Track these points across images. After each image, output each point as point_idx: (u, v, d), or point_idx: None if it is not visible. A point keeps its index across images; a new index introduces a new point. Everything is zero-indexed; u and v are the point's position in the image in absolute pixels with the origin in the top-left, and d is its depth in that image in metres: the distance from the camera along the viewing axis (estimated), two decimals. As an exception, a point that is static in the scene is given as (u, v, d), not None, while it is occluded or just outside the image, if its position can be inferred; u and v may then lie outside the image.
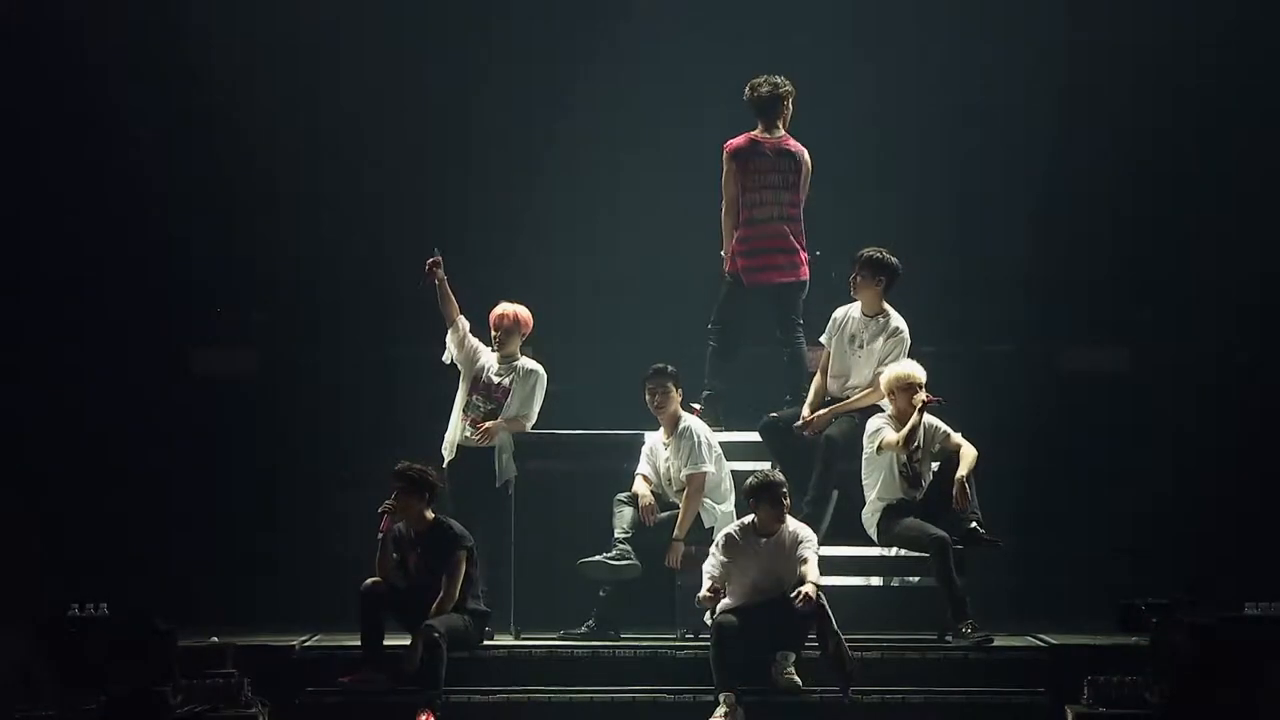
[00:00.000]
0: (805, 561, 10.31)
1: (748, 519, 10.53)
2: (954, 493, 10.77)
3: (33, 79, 13.31)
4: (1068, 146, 13.42)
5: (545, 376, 11.45)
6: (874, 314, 11.32)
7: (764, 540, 10.40)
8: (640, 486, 11.16)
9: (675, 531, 10.98)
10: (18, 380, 13.14)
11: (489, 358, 11.49)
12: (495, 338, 11.49)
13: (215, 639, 10.38)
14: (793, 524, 10.47)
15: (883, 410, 11.21)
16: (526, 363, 11.51)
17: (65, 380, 13.17)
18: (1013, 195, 13.47)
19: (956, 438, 10.96)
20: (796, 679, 10.18)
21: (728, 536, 10.47)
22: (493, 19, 13.77)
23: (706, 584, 10.35)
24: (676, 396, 11.21)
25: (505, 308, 11.51)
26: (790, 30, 13.57)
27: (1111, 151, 13.46)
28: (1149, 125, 13.43)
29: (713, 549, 10.46)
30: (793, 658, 10.22)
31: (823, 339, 11.51)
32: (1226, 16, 13.30)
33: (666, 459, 11.20)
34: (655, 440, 11.31)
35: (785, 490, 10.41)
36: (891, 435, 10.83)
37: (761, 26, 13.63)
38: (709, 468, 11.10)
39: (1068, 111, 13.45)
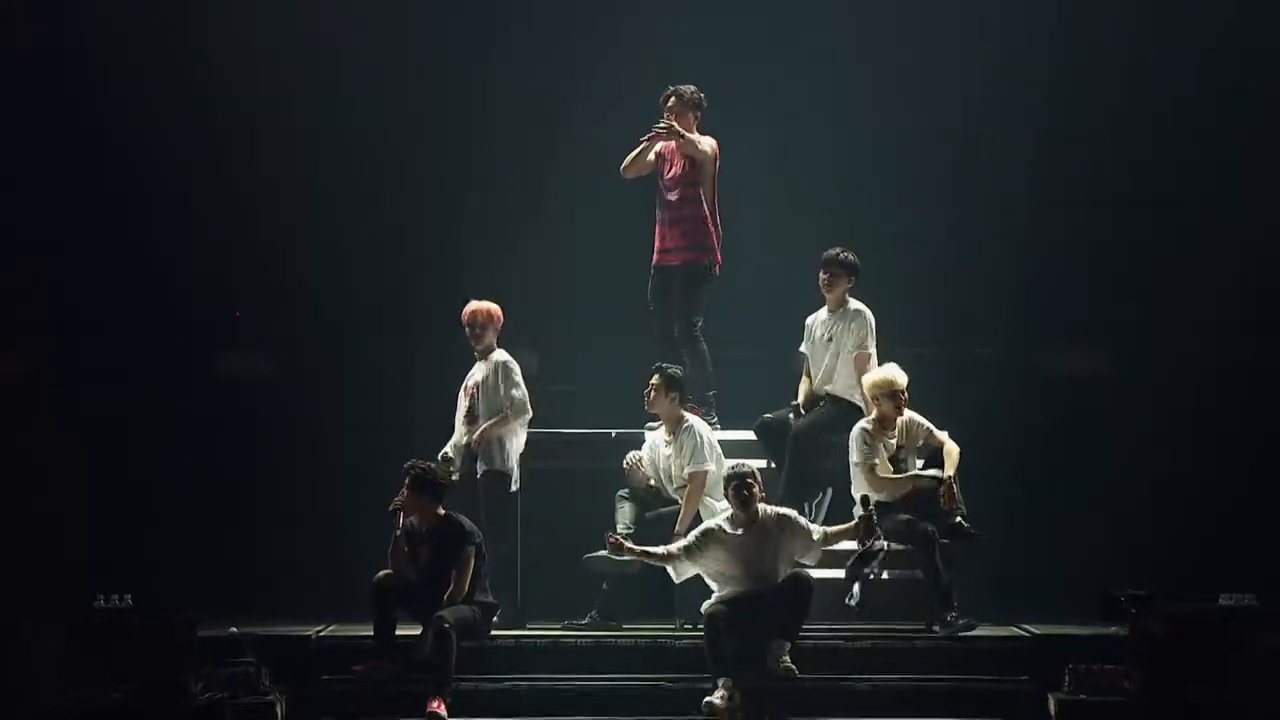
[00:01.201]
0: (821, 535, 10.52)
1: (730, 513, 10.65)
2: (940, 492, 10.91)
3: (56, 86, 13.39)
4: (1054, 154, 13.43)
5: (513, 362, 11.45)
6: (838, 308, 11.58)
7: (742, 531, 10.51)
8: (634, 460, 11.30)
9: (677, 527, 11.00)
10: (46, 382, 13.12)
11: (472, 377, 11.56)
12: (469, 335, 11.51)
13: (234, 629, 10.41)
14: (772, 510, 10.57)
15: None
16: (498, 355, 11.51)
17: (92, 383, 13.16)
18: (1005, 201, 13.49)
19: (940, 435, 11.09)
20: (793, 667, 10.28)
21: (706, 529, 10.58)
22: (497, 27, 13.81)
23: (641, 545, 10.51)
24: (667, 399, 11.23)
25: (475, 305, 11.56)
26: (781, 34, 13.65)
27: (1099, 158, 13.49)
28: (1134, 134, 13.46)
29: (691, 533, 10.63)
30: (788, 646, 10.32)
31: (802, 348, 11.75)
32: (1226, 16, 13.30)
33: (667, 456, 11.28)
34: (656, 438, 11.40)
35: (750, 481, 10.46)
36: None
37: (761, 28, 13.74)
38: (710, 466, 11.14)
39: (1055, 116, 13.45)
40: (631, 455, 11.41)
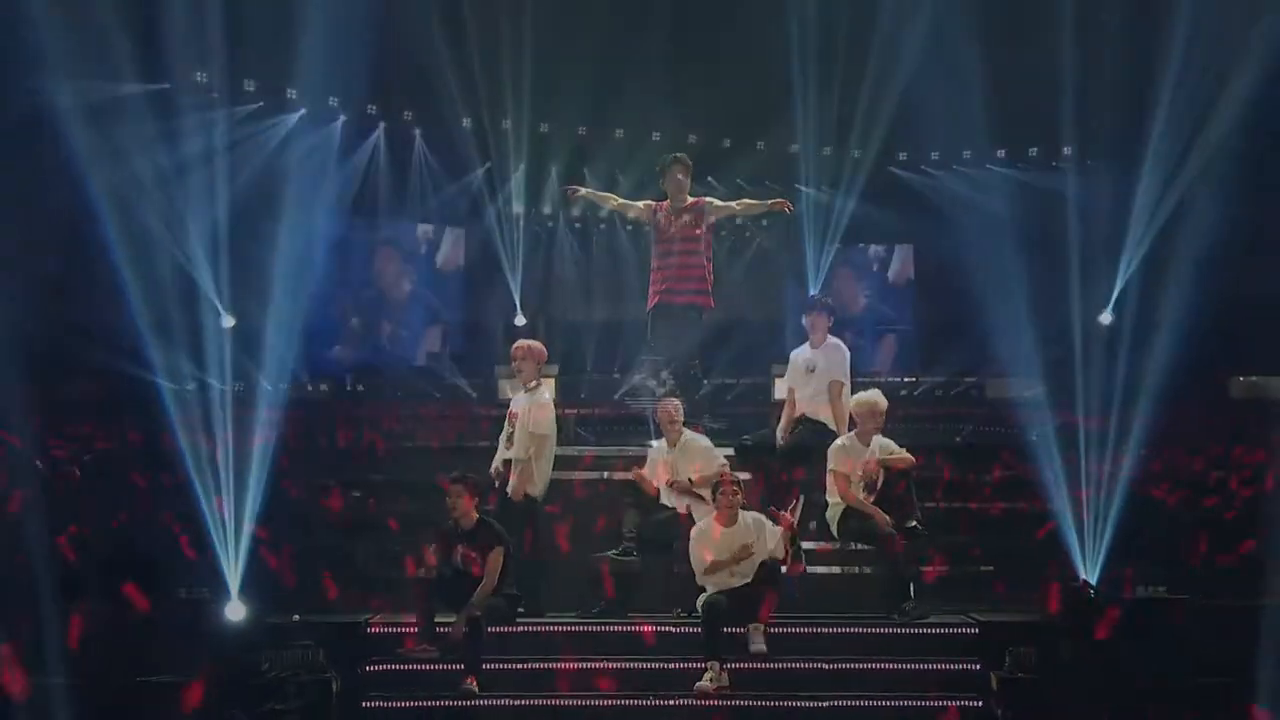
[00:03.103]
0: (779, 536, 11.47)
1: (711, 516, 11.64)
2: (897, 494, 11.97)
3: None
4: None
5: (544, 402, 12.11)
6: (820, 344, 12.75)
7: (722, 530, 11.50)
8: (644, 473, 12.24)
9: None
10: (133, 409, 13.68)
11: (516, 404, 12.29)
12: (513, 369, 12.37)
13: (298, 617, 11.20)
14: (749, 514, 11.56)
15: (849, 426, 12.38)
16: (538, 393, 12.20)
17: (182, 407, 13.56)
18: (965, 263, 14.26)
19: (901, 452, 12.18)
20: (764, 649, 11.19)
21: (698, 532, 11.55)
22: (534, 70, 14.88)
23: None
24: (680, 418, 12.36)
25: (519, 343, 12.43)
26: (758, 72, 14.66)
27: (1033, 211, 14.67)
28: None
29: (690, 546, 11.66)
30: (762, 629, 11.22)
31: (787, 380, 12.88)
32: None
33: (671, 464, 12.31)
34: (659, 452, 12.47)
35: (735, 486, 11.52)
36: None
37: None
38: (721, 464, 12.17)
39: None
40: (636, 470, 12.42)
